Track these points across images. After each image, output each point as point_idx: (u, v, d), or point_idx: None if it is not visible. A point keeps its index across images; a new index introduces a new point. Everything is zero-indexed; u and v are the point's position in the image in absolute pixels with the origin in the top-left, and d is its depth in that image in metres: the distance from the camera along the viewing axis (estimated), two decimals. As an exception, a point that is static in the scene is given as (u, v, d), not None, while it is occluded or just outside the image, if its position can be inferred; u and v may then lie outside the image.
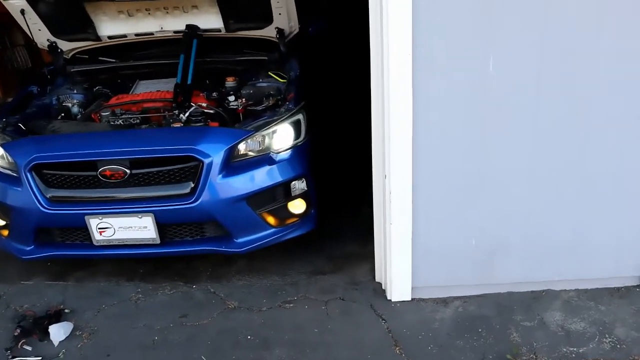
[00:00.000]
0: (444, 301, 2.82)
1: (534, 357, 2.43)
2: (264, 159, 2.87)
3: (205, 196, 2.74)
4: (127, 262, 3.24)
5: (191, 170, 2.75)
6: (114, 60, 3.77)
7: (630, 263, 2.82)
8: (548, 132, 2.52)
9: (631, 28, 2.32)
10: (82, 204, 2.79)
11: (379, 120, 2.62)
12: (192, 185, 2.75)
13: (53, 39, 3.60)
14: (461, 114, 2.47)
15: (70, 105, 3.46)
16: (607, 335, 2.54)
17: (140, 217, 2.77)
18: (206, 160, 2.71)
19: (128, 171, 2.72)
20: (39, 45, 3.69)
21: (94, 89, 3.58)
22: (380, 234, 2.85)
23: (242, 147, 2.84)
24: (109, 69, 3.75)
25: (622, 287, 2.84)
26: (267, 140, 2.89)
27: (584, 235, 2.76)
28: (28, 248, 2.97)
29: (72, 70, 3.70)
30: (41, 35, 3.57)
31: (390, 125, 2.47)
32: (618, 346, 2.49)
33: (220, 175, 2.75)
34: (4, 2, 3.33)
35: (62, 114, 3.35)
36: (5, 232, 3.06)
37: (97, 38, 3.59)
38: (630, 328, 2.58)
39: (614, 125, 2.50)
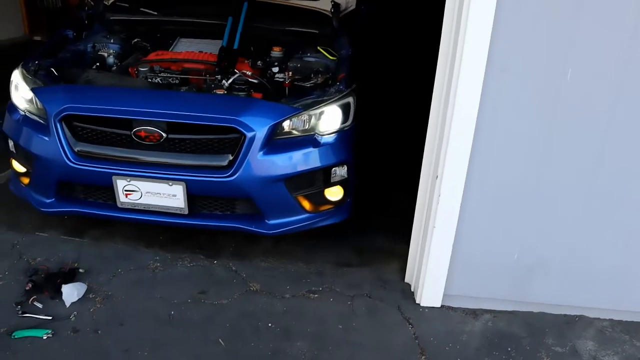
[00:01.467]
0: (474, 313, 2.70)
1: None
2: (308, 139, 2.71)
3: (242, 172, 2.59)
4: (147, 227, 3.09)
5: (231, 143, 2.60)
6: (155, 13, 3.57)
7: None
8: (616, 157, 2.36)
9: None
10: (110, 163, 2.65)
11: (437, 119, 2.46)
12: (231, 158, 2.60)
13: (91, -21, 3.41)
14: (528, 124, 2.32)
15: (106, 55, 3.28)
16: (642, 374, 2.42)
17: (171, 185, 2.62)
18: (249, 134, 2.56)
19: (164, 135, 2.57)
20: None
21: (132, 41, 3.40)
22: (418, 234, 2.71)
23: (286, 125, 2.68)
24: (149, 22, 3.56)
25: (660, 324, 2.71)
26: (313, 120, 2.73)
27: (628, 265, 2.62)
28: (48, 200, 2.83)
29: (111, 18, 3.51)
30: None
31: (451, 126, 2.31)
32: (654, 387, 2.37)
33: (262, 152, 2.59)
34: None
35: (97, 64, 3.17)
36: (26, 180, 2.92)
37: (141, -16, 3.40)
38: (667, 369, 2.46)
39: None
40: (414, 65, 5.32)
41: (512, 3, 2.11)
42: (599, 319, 2.73)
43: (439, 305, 2.68)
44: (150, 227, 3.10)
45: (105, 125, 2.62)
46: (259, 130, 2.57)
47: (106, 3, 3.55)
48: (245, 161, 2.58)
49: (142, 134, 2.56)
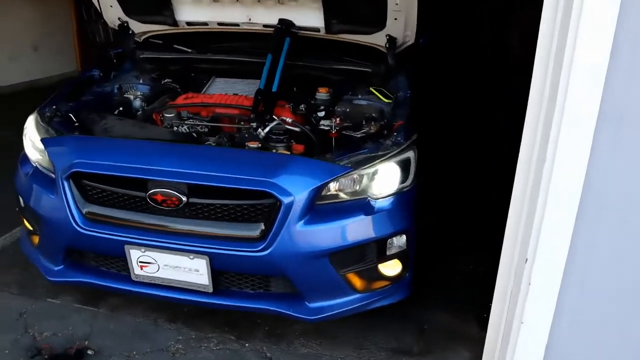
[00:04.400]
0: None
1: None
2: (360, 204, 2.21)
3: (278, 245, 2.11)
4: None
5: (264, 210, 2.13)
6: (190, 50, 3.21)
7: None
8: None
9: None
10: (123, 229, 2.23)
11: (526, 181, 1.90)
12: (264, 228, 2.12)
13: (125, 18, 3.08)
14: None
15: (132, 97, 2.92)
16: None
17: (192, 258, 2.17)
18: (286, 200, 2.08)
19: (184, 199, 2.13)
20: (108, 24, 3.19)
21: (162, 82, 3.04)
22: (498, 329, 2.13)
23: (332, 186, 2.20)
24: (183, 60, 3.20)
25: None
26: (365, 180, 2.23)
27: None
28: (56, 268, 2.44)
29: (142, 56, 3.16)
30: (112, 12, 3.07)
31: (548, 191, 1.75)
32: None
33: (302, 222, 2.11)
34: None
35: (121, 108, 2.81)
36: (36, 240, 2.55)
37: (174, 22, 3.04)
38: None
39: None
40: (482, 107, 4.79)
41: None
42: None
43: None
44: (170, 307, 2.65)
45: (118, 185, 2.21)
46: (298, 194, 2.09)
47: (138, 40, 3.21)
48: (282, 232, 2.10)
49: (159, 197, 2.13)
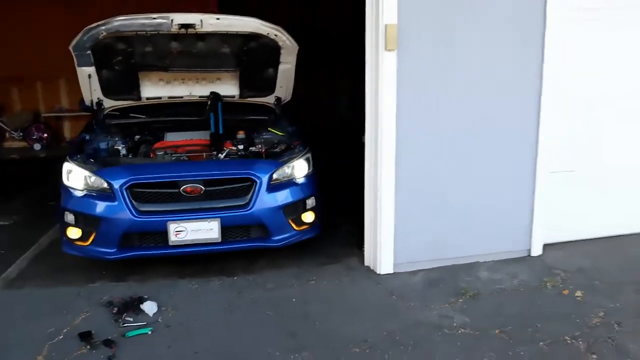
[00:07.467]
0: (414, 272, 4.20)
1: (477, 294, 3.90)
2: (290, 182, 4.19)
3: (256, 205, 3.96)
4: (174, 266, 4.22)
5: (247, 187, 3.98)
6: (143, 117, 4.87)
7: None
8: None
9: None
10: (164, 214, 3.84)
11: (371, 155, 4.10)
12: (248, 197, 3.96)
13: (102, 97, 4.64)
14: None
15: (120, 148, 4.47)
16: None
17: (209, 222, 3.89)
18: (258, 180, 3.97)
19: (204, 188, 3.87)
20: (85, 102, 4.69)
21: (135, 137, 4.64)
22: (370, 231, 4.24)
23: (275, 175, 4.13)
24: (140, 123, 4.84)
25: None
26: (290, 170, 4.22)
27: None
28: (112, 250, 3.88)
29: (112, 122, 4.73)
30: (94, 94, 4.60)
31: (382, 152, 3.97)
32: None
33: (267, 192, 4.00)
34: (77, 68, 4.35)
35: (123, 153, 4.36)
36: (84, 242, 3.92)
37: (139, 98, 4.71)
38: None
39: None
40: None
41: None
42: (486, 262, 4.37)
43: (392, 272, 4.18)
44: (176, 266, 4.22)
45: (159, 187, 3.85)
46: (263, 177, 4.00)
47: (106, 112, 4.78)
48: (257, 198, 3.97)
49: (189, 189, 3.84)
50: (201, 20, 4.31)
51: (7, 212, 5.63)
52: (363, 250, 4.36)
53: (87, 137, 4.54)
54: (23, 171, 7.79)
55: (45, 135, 8.75)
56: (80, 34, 4.27)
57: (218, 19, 4.37)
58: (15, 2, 8.10)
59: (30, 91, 8.89)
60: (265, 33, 4.50)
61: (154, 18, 4.23)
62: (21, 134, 8.64)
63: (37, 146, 8.58)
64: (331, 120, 8.39)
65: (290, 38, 4.62)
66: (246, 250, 4.20)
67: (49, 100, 8.97)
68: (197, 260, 4.26)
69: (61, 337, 3.31)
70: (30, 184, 6.86)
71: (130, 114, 4.85)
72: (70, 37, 4.31)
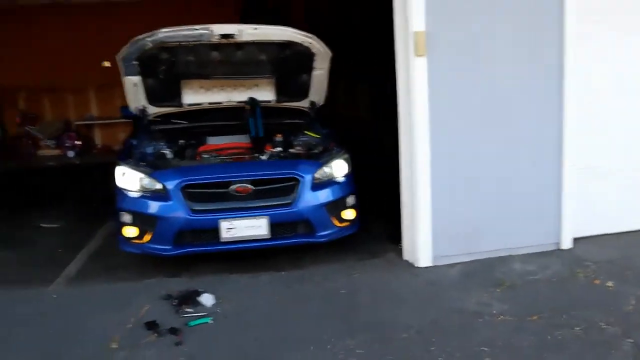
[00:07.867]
0: (452, 265, 4.41)
1: (513, 285, 4.10)
2: (331, 181, 4.43)
3: (301, 203, 4.20)
4: (223, 262, 4.46)
5: (292, 186, 4.22)
6: (185, 122, 5.13)
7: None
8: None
9: None
10: (216, 212, 4.09)
11: (407, 151, 4.33)
12: (294, 196, 4.20)
13: (146, 104, 4.91)
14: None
15: (166, 152, 4.73)
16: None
17: (258, 219, 4.13)
18: (302, 180, 4.21)
19: (253, 187, 4.11)
20: (130, 109, 4.97)
21: (179, 142, 4.89)
22: (409, 227, 4.46)
23: (317, 174, 4.38)
24: (182, 128, 5.10)
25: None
26: (331, 170, 4.46)
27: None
28: (168, 247, 4.15)
29: (156, 128, 5.00)
30: (137, 101, 4.86)
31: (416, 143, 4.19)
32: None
33: (310, 190, 4.25)
34: (124, 78, 4.62)
35: (170, 157, 4.62)
36: (141, 240, 4.18)
37: (180, 105, 4.97)
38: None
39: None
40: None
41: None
42: (519, 255, 4.57)
43: (430, 264, 4.40)
44: (224, 264, 4.44)
45: (211, 187, 4.09)
46: (307, 176, 4.24)
47: (149, 119, 5.05)
48: (302, 196, 4.21)
49: (239, 189, 4.09)
50: (240, 31, 4.57)
51: (55, 216, 5.92)
52: (399, 246, 4.58)
53: (134, 142, 4.80)
54: (61, 178, 8.10)
55: (78, 142, 9.07)
56: (127, 46, 4.55)
57: (256, 29, 4.64)
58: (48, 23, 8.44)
59: (61, 101, 9.23)
60: (299, 41, 4.75)
61: (196, 29, 4.50)
62: (54, 142, 8.96)
63: (70, 153, 8.90)
64: (352, 121, 8.64)
65: (323, 45, 4.87)
66: (292, 247, 4.44)
67: (79, 109, 9.30)
68: (245, 257, 4.49)
69: (130, 326, 3.56)
70: (70, 189, 7.16)
71: (172, 120, 5.11)
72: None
